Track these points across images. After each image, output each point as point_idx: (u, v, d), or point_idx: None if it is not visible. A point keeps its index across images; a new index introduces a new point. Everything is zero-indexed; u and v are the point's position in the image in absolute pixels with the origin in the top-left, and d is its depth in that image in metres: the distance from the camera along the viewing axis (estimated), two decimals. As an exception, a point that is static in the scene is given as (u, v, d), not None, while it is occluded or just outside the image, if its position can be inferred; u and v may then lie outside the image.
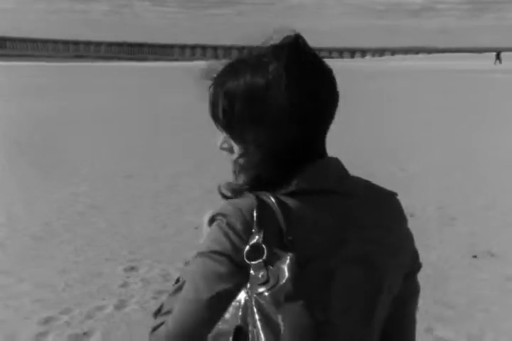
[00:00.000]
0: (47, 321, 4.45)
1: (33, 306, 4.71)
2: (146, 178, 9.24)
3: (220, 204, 1.32)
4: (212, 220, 1.20)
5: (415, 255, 1.39)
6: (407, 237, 1.36)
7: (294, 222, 1.14)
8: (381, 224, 1.28)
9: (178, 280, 1.32)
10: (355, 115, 17.54)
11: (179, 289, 1.25)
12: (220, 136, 1.31)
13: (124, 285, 5.12)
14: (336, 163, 1.29)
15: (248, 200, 1.17)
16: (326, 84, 1.26)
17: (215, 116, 1.27)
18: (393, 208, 1.35)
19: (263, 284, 1.07)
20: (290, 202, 1.16)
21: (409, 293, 1.39)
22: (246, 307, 1.07)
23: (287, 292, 1.05)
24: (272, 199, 1.15)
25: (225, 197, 1.28)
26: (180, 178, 9.07)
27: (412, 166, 10.35)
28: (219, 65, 1.29)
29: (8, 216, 7.14)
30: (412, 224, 5.35)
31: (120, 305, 4.73)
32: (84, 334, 4.27)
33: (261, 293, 1.06)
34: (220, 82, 1.25)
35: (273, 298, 1.05)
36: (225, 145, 1.30)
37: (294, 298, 1.05)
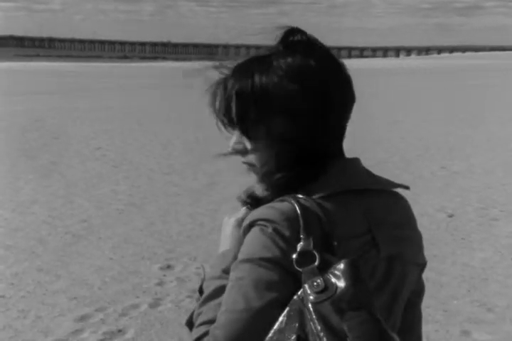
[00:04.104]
0: (82, 318, 4.50)
1: (69, 303, 4.76)
2: (186, 176, 9.30)
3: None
4: (251, 225, 1.17)
5: (423, 254, 1.39)
6: (420, 236, 1.36)
7: (335, 225, 1.14)
8: (404, 223, 1.31)
9: (201, 288, 1.29)
10: (395, 114, 17.40)
11: (212, 297, 1.22)
12: (232, 138, 1.30)
13: (160, 283, 5.14)
14: (360, 162, 1.29)
15: (289, 205, 1.14)
16: (343, 78, 1.26)
17: (228, 115, 1.27)
18: (408, 207, 1.36)
19: (321, 292, 1.03)
20: (327, 204, 1.16)
21: (418, 291, 1.40)
22: (303, 316, 1.04)
23: (349, 300, 1.02)
24: (314, 203, 1.14)
25: (248, 204, 1.32)
26: (219, 176, 9.08)
27: (454, 165, 10.21)
28: (227, 64, 1.30)
29: (49, 213, 7.25)
30: (452, 224, 5.31)
31: (155, 304, 4.75)
32: (119, 331, 4.31)
33: (320, 302, 1.03)
34: (234, 80, 1.26)
35: (334, 307, 1.02)
36: (239, 146, 1.29)
37: (357, 305, 1.02)
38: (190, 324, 1.26)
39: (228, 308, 1.12)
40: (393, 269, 1.24)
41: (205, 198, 7.86)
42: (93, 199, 7.93)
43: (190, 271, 5.37)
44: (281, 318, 1.06)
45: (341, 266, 1.05)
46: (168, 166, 10.12)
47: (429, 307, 4.53)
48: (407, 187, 1.30)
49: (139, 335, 4.26)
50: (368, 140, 12.20)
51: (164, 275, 5.31)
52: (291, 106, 1.19)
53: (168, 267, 5.51)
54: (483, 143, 12.52)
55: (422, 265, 1.36)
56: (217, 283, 1.24)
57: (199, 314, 1.22)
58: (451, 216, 6.99)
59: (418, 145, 12.22)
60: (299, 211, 1.12)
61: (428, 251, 1.38)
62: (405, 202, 1.35)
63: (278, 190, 1.22)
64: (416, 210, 1.37)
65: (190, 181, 8.95)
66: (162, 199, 7.96)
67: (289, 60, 1.21)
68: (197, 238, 6.31)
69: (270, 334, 1.06)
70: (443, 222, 6.76)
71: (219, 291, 1.21)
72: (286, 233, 1.11)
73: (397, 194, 1.33)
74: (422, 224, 1.37)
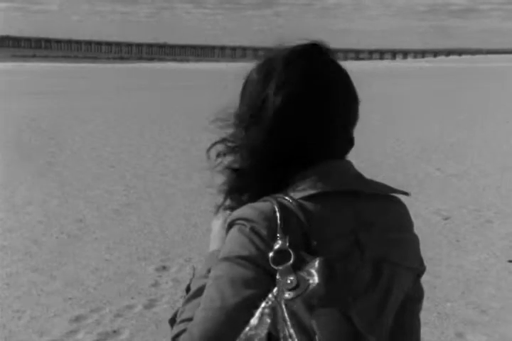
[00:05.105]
0: (77, 319, 4.50)
1: (65, 304, 4.76)
2: (181, 177, 9.30)
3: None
4: (231, 224, 1.20)
5: (421, 258, 1.39)
6: (415, 240, 1.36)
7: (315, 225, 1.15)
8: (397, 226, 1.30)
9: (188, 287, 1.31)
10: (391, 115, 17.41)
11: (195, 296, 1.24)
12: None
13: (155, 284, 5.14)
14: (350, 165, 1.30)
15: (269, 204, 1.17)
16: (337, 89, 1.28)
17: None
18: (403, 211, 1.35)
19: (293, 289, 1.05)
20: (309, 205, 1.17)
21: (415, 296, 1.40)
22: (275, 313, 1.05)
23: (320, 296, 1.02)
24: (293, 203, 1.16)
25: (230, 208, 1.32)
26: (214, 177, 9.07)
27: (449, 167, 10.22)
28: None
29: (44, 213, 7.24)
30: (447, 227, 5.30)
31: (150, 305, 4.75)
32: (114, 332, 4.30)
33: (292, 299, 1.04)
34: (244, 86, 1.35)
35: (305, 304, 1.02)
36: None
37: (328, 302, 1.02)
38: (173, 322, 1.28)
39: (205, 306, 1.14)
40: (382, 272, 1.24)
41: (200, 199, 7.85)
42: (89, 199, 7.93)
43: (185, 272, 5.37)
44: (256, 315, 1.07)
45: (315, 264, 1.06)
46: (163, 167, 10.12)
47: (423, 309, 4.54)
48: (405, 193, 1.30)
49: (134, 336, 4.26)
50: (363, 142, 12.21)
51: (159, 276, 5.31)
52: (243, 122, 1.28)
53: (164, 268, 5.51)
54: (480, 145, 12.54)
55: (418, 270, 1.36)
56: (202, 282, 1.26)
57: (182, 312, 1.25)
58: (446, 218, 7.00)
59: (414, 147, 12.24)
60: (277, 210, 1.14)
61: (423, 254, 1.38)
62: (400, 206, 1.35)
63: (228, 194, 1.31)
64: (411, 212, 1.38)
65: (185, 182, 8.95)
66: (157, 200, 7.96)
67: (261, 83, 1.26)
68: (192, 239, 6.31)
69: (245, 331, 1.07)
70: (438, 225, 6.78)
71: (202, 290, 1.22)
72: (264, 232, 1.13)
73: (392, 198, 1.33)
74: (417, 226, 1.38)
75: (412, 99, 23.49)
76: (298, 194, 1.19)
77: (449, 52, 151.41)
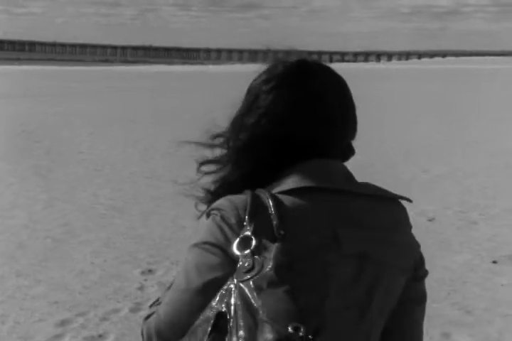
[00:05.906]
0: (62, 323, 4.47)
1: (49, 308, 4.73)
2: (167, 179, 9.27)
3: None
4: (208, 215, 1.26)
5: (420, 261, 1.40)
6: (410, 242, 1.38)
7: (288, 217, 1.18)
8: (381, 226, 1.30)
9: None
10: (376, 117, 17.47)
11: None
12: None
13: (141, 288, 5.13)
14: (340, 165, 1.34)
15: (243, 196, 1.22)
16: (328, 95, 1.36)
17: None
18: (398, 213, 1.37)
19: (248, 272, 1.09)
20: (286, 199, 1.21)
21: (414, 298, 1.39)
22: (230, 294, 1.09)
23: (270, 279, 1.06)
24: (267, 195, 1.20)
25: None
26: (201, 179, 9.06)
27: (435, 168, 10.27)
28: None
29: (29, 217, 7.20)
30: (432, 228, 5.33)
31: (136, 308, 4.73)
32: (100, 336, 4.28)
33: (245, 280, 1.08)
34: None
35: (255, 284, 1.06)
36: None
37: (276, 284, 1.06)
38: None
39: (173, 288, 1.24)
40: (364, 269, 1.24)
41: (187, 202, 7.81)
42: (74, 203, 7.89)
43: (171, 275, 5.34)
44: (216, 297, 1.11)
45: (273, 249, 1.10)
46: (149, 170, 10.10)
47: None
48: (404, 198, 1.33)
49: (120, 340, 4.24)
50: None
51: (145, 280, 5.29)
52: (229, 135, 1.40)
53: (150, 271, 5.49)
54: (465, 147, 12.61)
55: (411, 272, 1.36)
56: None
57: (159, 298, 1.35)
58: (431, 220, 7.03)
59: (400, 148, 12.29)
60: (249, 201, 1.20)
61: (408, 255, 1.38)
62: (398, 207, 1.37)
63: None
64: (396, 214, 1.38)
65: (171, 184, 8.92)
66: (144, 203, 7.94)
67: (253, 97, 1.35)
68: (178, 242, 6.28)
69: (205, 311, 1.12)
70: (423, 226, 6.80)
71: None
72: (233, 220, 1.19)
73: (391, 200, 1.35)
74: (402, 227, 1.38)
75: (398, 101, 23.60)
76: (278, 188, 1.24)
77: (433, 54, 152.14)
